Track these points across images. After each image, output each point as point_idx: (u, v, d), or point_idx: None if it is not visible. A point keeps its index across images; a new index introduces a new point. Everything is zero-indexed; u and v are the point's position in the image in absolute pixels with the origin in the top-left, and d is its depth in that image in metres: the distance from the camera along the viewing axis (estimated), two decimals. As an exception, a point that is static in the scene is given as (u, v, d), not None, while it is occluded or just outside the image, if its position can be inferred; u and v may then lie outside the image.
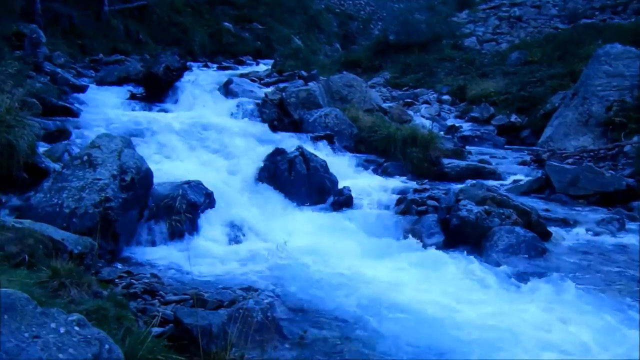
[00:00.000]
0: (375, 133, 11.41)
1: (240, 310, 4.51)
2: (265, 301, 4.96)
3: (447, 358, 4.42)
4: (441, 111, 17.10)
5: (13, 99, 7.44)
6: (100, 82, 13.77)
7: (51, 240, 5.09)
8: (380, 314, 4.94)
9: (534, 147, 13.62)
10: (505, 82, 17.82)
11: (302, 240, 6.92)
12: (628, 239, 7.78)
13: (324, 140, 10.92)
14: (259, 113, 11.90)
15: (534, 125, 14.94)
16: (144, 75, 13.25)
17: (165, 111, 11.88)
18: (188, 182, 7.42)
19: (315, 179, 8.90)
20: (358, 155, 11.04)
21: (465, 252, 7.03)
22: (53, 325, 2.94)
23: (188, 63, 16.11)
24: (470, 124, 16.03)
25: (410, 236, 7.56)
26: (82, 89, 12.11)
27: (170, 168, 8.57)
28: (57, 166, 7.07)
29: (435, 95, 18.81)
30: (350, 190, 8.87)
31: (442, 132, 13.59)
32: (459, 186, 8.86)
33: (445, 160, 10.97)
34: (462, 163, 11.09)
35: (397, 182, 9.80)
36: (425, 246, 7.25)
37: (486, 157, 12.22)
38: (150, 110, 11.91)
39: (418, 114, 15.84)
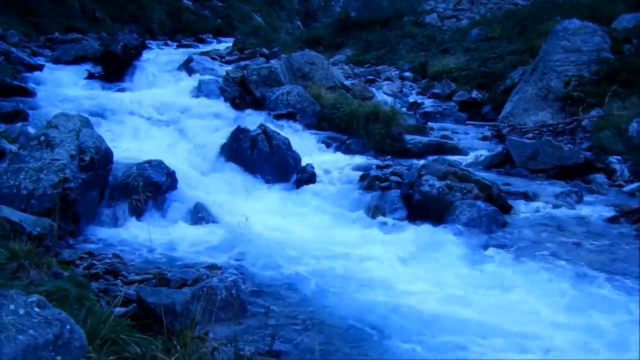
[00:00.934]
0: (337, 110, 11.39)
1: (204, 289, 4.49)
2: (230, 279, 4.94)
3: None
4: (403, 88, 17.17)
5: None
6: (57, 61, 13.44)
7: (8, 222, 4.98)
8: (343, 287, 5.01)
9: (494, 123, 13.80)
10: (466, 58, 17.97)
11: (265, 218, 6.92)
12: (586, 211, 7.97)
13: (287, 118, 10.87)
14: (221, 91, 11.75)
15: (495, 101, 15.12)
16: (101, 54, 12.95)
17: (124, 90, 11.65)
18: (149, 162, 7.31)
19: (278, 156, 8.86)
20: (321, 132, 11.02)
21: (428, 225, 7.11)
22: (12, 307, 2.88)
23: (147, 41, 15.83)
24: (432, 100, 16.14)
25: (373, 212, 7.62)
26: (38, 68, 11.79)
27: (130, 148, 8.45)
28: (13, 147, 6.89)
29: (397, 72, 18.86)
30: (313, 168, 8.88)
31: (404, 109, 13.64)
32: (421, 162, 8.96)
33: (408, 137, 11.04)
34: (424, 139, 11.18)
35: (360, 159, 9.85)
36: (388, 221, 7.31)
37: (448, 133, 12.35)
38: (109, 89, 11.67)
39: (380, 90, 15.86)
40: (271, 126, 9.66)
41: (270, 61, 13.68)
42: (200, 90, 11.75)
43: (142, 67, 12.94)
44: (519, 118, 13.22)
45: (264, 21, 28.88)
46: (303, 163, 9.01)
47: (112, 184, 6.96)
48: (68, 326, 2.96)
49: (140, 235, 6.31)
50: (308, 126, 11.16)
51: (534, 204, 8.17)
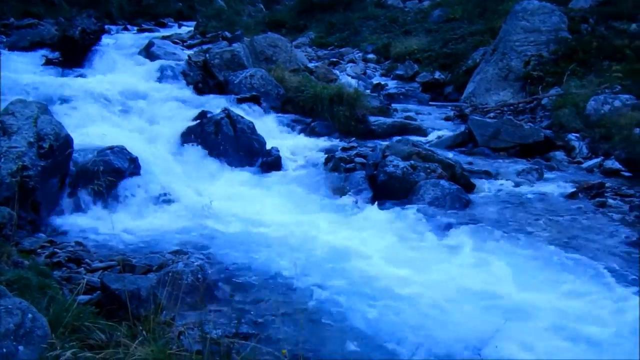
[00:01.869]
0: (301, 93, 11.37)
1: (170, 274, 4.47)
2: (196, 263, 4.92)
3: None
4: (367, 70, 17.20)
5: None
6: (12, 47, 13.08)
7: (-35, 212, 4.86)
8: (309, 269, 5.05)
9: (457, 103, 13.95)
10: (428, 39, 18.07)
11: (230, 202, 6.89)
12: (546, 188, 8.14)
13: (251, 102, 10.78)
14: (183, 76, 11.60)
15: (457, 82, 15.27)
16: (59, 40, 12.64)
17: (84, 76, 11.38)
18: (111, 148, 7.20)
19: (242, 140, 8.82)
20: (285, 115, 10.99)
21: (393, 205, 7.17)
22: (-30, 297, 2.84)
23: (106, 26, 15.48)
24: (395, 81, 16.21)
25: (338, 193, 7.66)
26: (-8, 55, 11.46)
27: (92, 134, 8.26)
28: (-33, 136, 6.69)
29: (360, 54, 18.88)
30: (278, 151, 8.86)
31: (368, 91, 13.68)
32: (386, 143, 9.01)
33: (372, 118, 11.09)
34: (388, 120, 11.24)
35: (324, 141, 9.86)
36: (353, 202, 7.36)
37: (411, 114, 12.43)
38: (68, 75, 11.40)
39: (344, 73, 15.87)
40: (235, 110, 9.59)
41: (233, 44, 13.55)
42: (162, 75, 11.57)
43: (102, 53, 12.68)
44: (481, 98, 13.38)
45: (226, 4, 28.49)
46: (268, 146, 8.99)
47: (73, 171, 6.83)
48: (30, 315, 2.92)
49: (104, 223, 6.22)
50: (272, 109, 11.12)
51: (496, 182, 8.32)
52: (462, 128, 10.68)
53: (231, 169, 8.40)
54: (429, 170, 7.79)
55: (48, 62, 12.17)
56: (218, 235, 5.89)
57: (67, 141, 6.72)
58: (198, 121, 8.95)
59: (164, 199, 6.98)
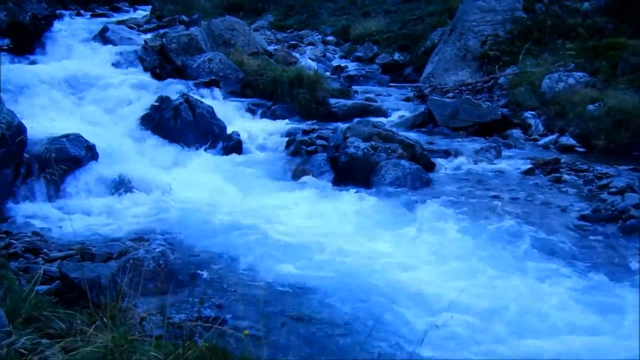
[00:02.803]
0: (261, 76, 11.29)
1: (131, 261, 4.43)
2: (157, 250, 4.89)
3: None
4: (326, 52, 17.17)
5: None
6: (-42, 35, 12.61)
7: None
8: (271, 252, 5.07)
9: (416, 84, 14.04)
10: (387, 20, 18.10)
11: (191, 187, 6.84)
12: (504, 165, 8.30)
13: (210, 86, 10.66)
14: (140, 61, 11.41)
15: (416, 62, 15.37)
16: (8, 26, 12.22)
17: (36, 63, 11.09)
18: (66, 136, 7.06)
19: (202, 125, 8.73)
20: (245, 99, 10.91)
21: (354, 187, 7.22)
22: None
23: (57, 11, 15.05)
24: (355, 63, 16.22)
25: (300, 176, 7.66)
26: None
27: (47, 123, 8.07)
28: None
29: (319, 36, 18.82)
30: (239, 135, 8.81)
31: (328, 73, 13.66)
32: (346, 125, 9.02)
33: (332, 100, 11.09)
34: (349, 102, 11.26)
35: (285, 124, 9.82)
36: (315, 185, 7.38)
37: (372, 95, 12.46)
38: (19, 62, 11.08)
39: (304, 55, 15.80)
40: (194, 95, 9.49)
41: (190, 28, 13.35)
42: (118, 61, 11.38)
43: (55, 39, 12.35)
44: (440, 78, 13.50)
45: (183, -13, 27.99)
46: (228, 131, 8.92)
47: (28, 161, 6.67)
48: (-15, 306, 2.86)
49: (62, 212, 6.12)
50: (232, 93, 11.02)
51: (456, 161, 8.43)
52: (422, 108, 10.77)
53: (191, 154, 8.31)
54: (389, 151, 7.85)
55: (-2, 50, 11.81)
56: (179, 220, 5.84)
57: (20, 130, 6.54)
58: (156, 106, 8.82)
59: (123, 186, 6.88)
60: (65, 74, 9.98)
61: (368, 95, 12.47)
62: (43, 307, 3.34)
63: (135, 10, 22.13)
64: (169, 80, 10.77)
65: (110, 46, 12.19)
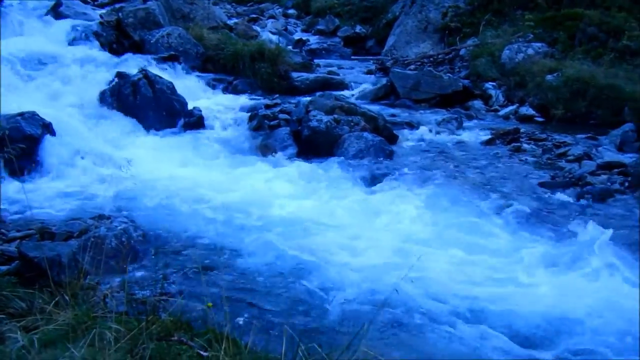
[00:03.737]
0: (222, 51, 11.14)
1: (92, 239, 4.36)
2: (119, 227, 4.82)
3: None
4: (287, 25, 17.03)
5: None
6: None
7: None
8: (233, 226, 5.06)
9: (378, 57, 14.07)
10: (348, -7, 17.98)
11: (152, 164, 6.74)
12: (465, 136, 8.41)
13: (169, 61, 10.46)
14: (96, 36, 11.10)
15: (378, 35, 15.37)
16: (-45, 1, 11.79)
17: (-14, 40, 10.71)
18: (21, 114, 6.84)
19: (162, 101, 8.58)
20: (206, 74, 10.76)
21: (318, 160, 7.22)
22: None
23: (7, -15, 14.52)
24: (317, 36, 16.15)
25: (263, 150, 7.63)
26: None
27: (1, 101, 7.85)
28: None
29: (280, 9, 18.65)
30: (200, 111, 8.69)
31: (289, 47, 13.55)
32: (309, 98, 8.99)
33: (295, 74, 11.03)
34: (311, 76, 11.21)
35: (247, 99, 9.74)
36: (279, 159, 7.35)
37: (334, 69, 12.45)
38: (-33, 39, 10.68)
39: (265, 29, 15.64)
40: (153, 70, 9.29)
41: (147, 2, 12.99)
42: (73, 36, 11.03)
43: (5, 14, 11.89)
44: (402, 50, 13.53)
45: (139, -39, 27.30)
46: (190, 106, 8.79)
47: (-18, 140, 6.48)
48: (-60, 288, 2.80)
49: (19, 192, 5.95)
50: (192, 68, 10.85)
51: (418, 133, 8.51)
52: (384, 81, 10.79)
53: (151, 130, 8.17)
54: (352, 124, 7.87)
55: (-57, 26, 11.36)
56: (140, 197, 5.76)
57: (-28, 109, 6.35)
58: (114, 83, 8.63)
59: (83, 165, 6.74)
60: (18, 50, 9.65)
61: (330, 68, 12.44)
62: (2, 286, 3.28)
63: (90, -16, 21.51)
64: (127, 55, 10.51)
65: (64, 21, 11.81)
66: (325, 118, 7.84)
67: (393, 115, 9.19)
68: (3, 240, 4.72)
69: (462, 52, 12.06)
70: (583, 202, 5.91)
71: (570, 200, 5.97)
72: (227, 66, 10.97)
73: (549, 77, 9.57)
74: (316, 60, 12.79)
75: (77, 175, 6.67)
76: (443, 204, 5.70)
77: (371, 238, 4.98)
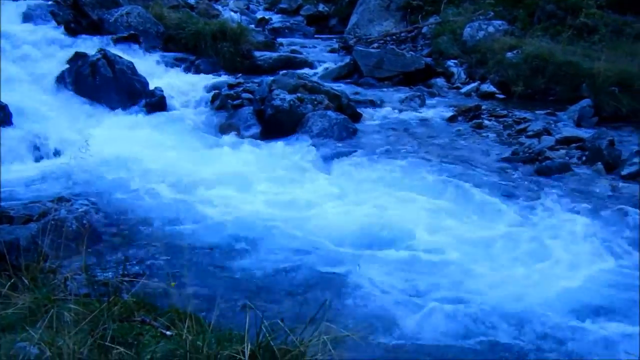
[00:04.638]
0: (183, 30, 10.93)
1: (52, 222, 4.28)
2: (80, 209, 4.75)
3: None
4: (250, 4, 16.84)
5: None
6: None
7: None
8: (195, 208, 5.05)
9: (341, 35, 14.01)
10: (310, -30, 17.82)
11: (113, 145, 6.62)
12: (428, 114, 8.48)
13: (129, 41, 10.24)
14: (52, 16, 10.79)
15: (341, 14, 15.32)
16: None
17: (-64, 19, 10.33)
18: (-26, 97, 6.68)
19: (122, 81, 8.42)
20: (167, 54, 10.55)
21: (281, 139, 7.21)
22: None
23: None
24: (279, 15, 16.01)
25: (226, 130, 7.58)
26: None
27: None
28: None
29: (242, -12, 18.37)
30: (162, 91, 8.56)
31: (252, 26, 13.42)
32: (272, 77, 8.93)
33: (257, 53, 10.93)
34: (274, 54, 11.13)
35: (210, 79, 9.60)
36: (242, 138, 7.32)
37: (297, 48, 12.36)
38: None
39: (226, 8, 15.42)
40: (113, 50, 9.10)
41: (105, -20, 12.71)
42: (28, 16, 10.71)
43: (-47, -7, 11.51)
44: (365, 29, 13.50)
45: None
46: (151, 87, 8.64)
47: None
48: None
49: (-26, 177, 5.82)
50: (153, 48, 10.62)
51: (382, 111, 8.55)
52: (347, 59, 10.78)
53: (112, 111, 8.01)
54: (315, 102, 7.85)
55: None
56: (101, 179, 5.69)
57: None
58: (72, 63, 8.42)
59: (40, 147, 6.63)
60: (-31, 30, 9.36)
61: (293, 47, 12.36)
62: (-43, 273, 3.21)
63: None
64: (85, 35, 10.24)
65: (17, 0, 11.48)
66: (288, 97, 7.81)
67: (356, 93, 9.19)
68: (-41, 226, 4.61)
69: (424, 30, 12.11)
70: (542, 176, 6.04)
71: (530, 174, 6.10)
72: (188, 45, 10.79)
73: (509, 54, 9.68)
74: (279, 39, 12.68)
75: (35, 157, 6.55)
76: (406, 181, 5.76)
77: (332, 215, 5.01)
